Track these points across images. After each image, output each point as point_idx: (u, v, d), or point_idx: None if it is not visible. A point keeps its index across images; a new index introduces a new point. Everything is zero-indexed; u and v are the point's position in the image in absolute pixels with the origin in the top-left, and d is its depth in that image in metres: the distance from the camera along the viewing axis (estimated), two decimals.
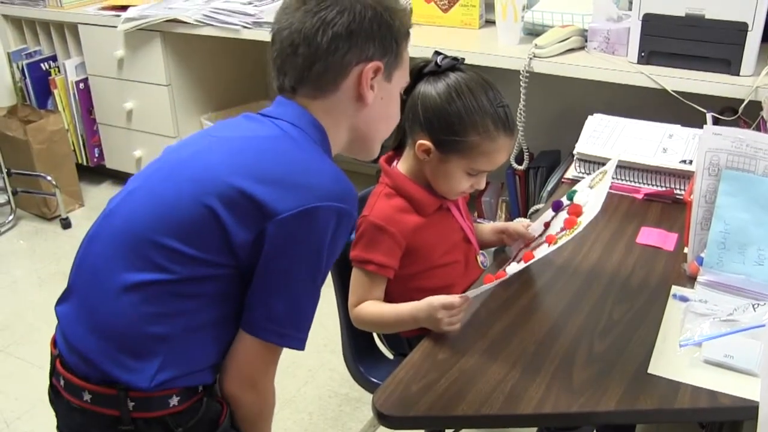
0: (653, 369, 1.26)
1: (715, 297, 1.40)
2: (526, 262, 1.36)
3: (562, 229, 1.40)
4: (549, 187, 2.69)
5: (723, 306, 1.36)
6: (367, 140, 1.31)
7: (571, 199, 1.51)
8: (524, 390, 1.23)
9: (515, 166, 2.65)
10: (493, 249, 1.68)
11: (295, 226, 1.10)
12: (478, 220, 2.86)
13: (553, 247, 1.35)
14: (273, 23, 1.24)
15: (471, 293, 1.36)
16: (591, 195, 1.46)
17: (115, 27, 3.14)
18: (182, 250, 1.12)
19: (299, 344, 1.20)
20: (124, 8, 3.18)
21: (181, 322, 1.15)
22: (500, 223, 1.67)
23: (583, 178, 1.90)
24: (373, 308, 1.46)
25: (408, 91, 1.44)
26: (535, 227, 1.59)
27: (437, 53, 1.45)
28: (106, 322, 1.15)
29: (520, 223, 1.61)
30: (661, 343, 1.31)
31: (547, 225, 1.54)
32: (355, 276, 1.49)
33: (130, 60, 3.25)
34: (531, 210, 2.69)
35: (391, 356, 1.74)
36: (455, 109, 1.39)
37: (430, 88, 1.42)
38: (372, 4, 1.19)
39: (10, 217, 3.42)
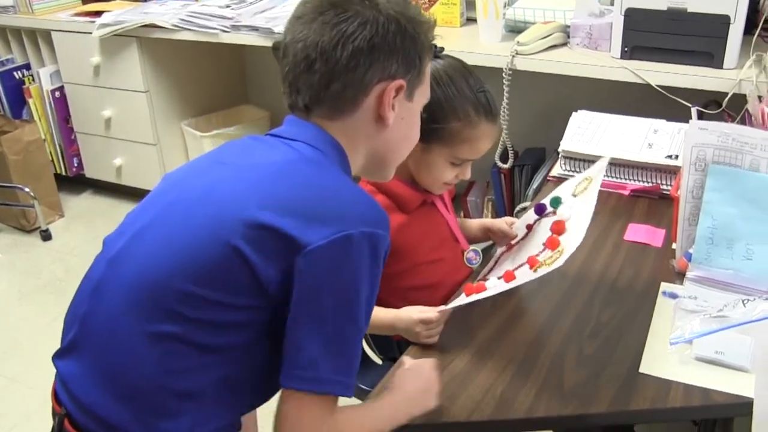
0: (644, 368, 1.23)
1: (704, 293, 1.38)
2: (506, 282, 1.34)
3: (545, 247, 1.37)
4: (534, 185, 2.67)
5: (712, 302, 1.34)
6: (384, 163, 1.22)
7: (555, 206, 1.47)
8: (515, 395, 1.20)
9: (500, 164, 2.63)
10: (482, 247, 1.65)
11: (326, 257, 1.00)
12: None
13: (533, 276, 1.29)
14: (284, 32, 1.13)
15: (450, 306, 1.34)
16: (575, 208, 1.41)
17: (90, 33, 3.09)
18: (208, 296, 1.02)
19: (344, 390, 1.05)
20: (98, 14, 3.13)
21: (209, 377, 1.06)
22: (487, 220, 1.65)
23: (569, 176, 1.88)
24: None
25: None
26: (518, 225, 1.56)
27: None
28: (127, 383, 1.05)
29: (504, 221, 1.59)
30: (651, 342, 1.29)
31: (529, 227, 1.52)
32: None
33: (107, 67, 3.20)
34: (517, 208, 2.68)
35: (379, 361, 1.70)
36: (435, 97, 1.36)
37: None
38: (395, 15, 1.09)
39: None
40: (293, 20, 1.12)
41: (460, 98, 1.38)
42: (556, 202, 1.48)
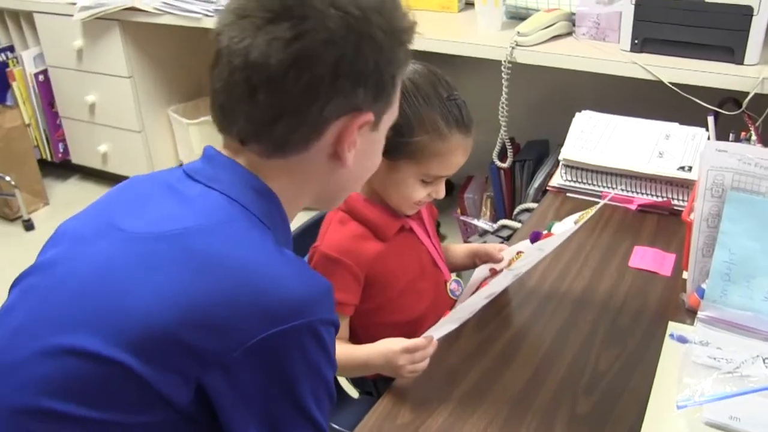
0: None
1: (718, 338, 1.22)
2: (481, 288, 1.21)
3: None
4: (536, 182, 2.50)
5: (727, 349, 1.18)
6: (338, 197, 1.03)
7: (549, 229, 1.31)
8: None
9: (498, 164, 2.45)
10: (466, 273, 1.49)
11: (250, 365, 0.78)
12: (466, 218, 2.68)
13: (508, 276, 1.20)
14: (217, 28, 0.86)
15: (435, 334, 1.19)
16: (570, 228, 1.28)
17: (72, 16, 2.92)
18: (92, 417, 0.79)
19: None
20: None
21: None
22: (473, 245, 1.48)
23: (570, 187, 1.72)
24: None
25: None
26: (509, 251, 1.40)
27: None
28: None
29: (492, 245, 1.42)
30: (655, 400, 1.13)
31: (520, 254, 1.35)
32: None
33: (90, 50, 3.03)
34: (517, 209, 2.50)
35: (356, 395, 1.55)
36: (399, 109, 1.20)
37: None
38: (371, 29, 0.84)
39: None
40: (231, 17, 0.84)
41: (428, 108, 1.20)
42: (552, 225, 1.32)
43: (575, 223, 1.26)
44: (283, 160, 0.89)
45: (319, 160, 0.90)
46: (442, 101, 1.20)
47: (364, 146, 0.93)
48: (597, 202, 1.26)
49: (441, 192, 1.27)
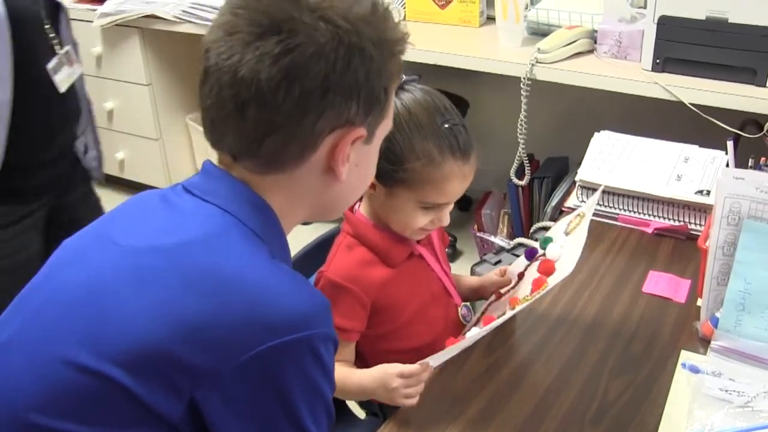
0: None
1: (731, 368, 1.19)
2: (485, 325, 1.19)
3: (532, 292, 1.22)
4: (554, 200, 2.47)
5: (740, 381, 1.15)
6: (334, 210, 0.99)
7: (545, 248, 1.29)
8: None
9: (516, 181, 2.42)
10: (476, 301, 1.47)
11: (244, 381, 0.77)
12: (483, 234, 2.65)
13: (512, 312, 1.18)
14: (207, 44, 0.84)
15: (432, 360, 1.16)
16: (566, 246, 1.26)
17: (92, 22, 2.94)
18: None
19: None
20: (100, 1, 2.97)
21: None
22: (475, 279, 1.45)
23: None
24: None
25: None
26: (511, 271, 1.37)
27: None
28: None
29: (494, 273, 1.40)
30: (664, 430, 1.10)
31: (521, 276, 1.33)
32: None
33: (109, 57, 3.05)
34: (534, 227, 2.47)
35: (362, 416, 1.53)
36: (391, 135, 1.18)
37: None
38: (360, 41, 0.82)
39: None
40: (219, 33, 0.83)
41: (419, 135, 1.18)
42: (546, 242, 1.30)
43: (566, 234, 1.26)
44: (277, 175, 0.88)
45: (314, 176, 0.89)
46: (436, 128, 1.18)
47: (359, 159, 0.92)
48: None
49: (444, 220, 1.25)
